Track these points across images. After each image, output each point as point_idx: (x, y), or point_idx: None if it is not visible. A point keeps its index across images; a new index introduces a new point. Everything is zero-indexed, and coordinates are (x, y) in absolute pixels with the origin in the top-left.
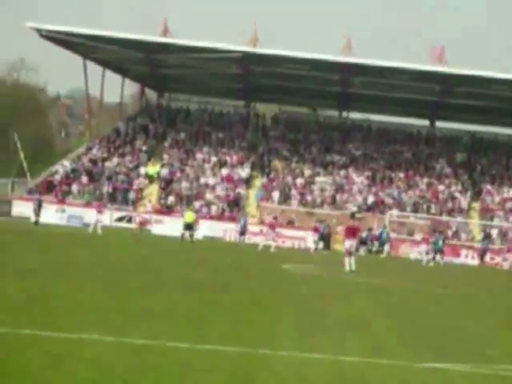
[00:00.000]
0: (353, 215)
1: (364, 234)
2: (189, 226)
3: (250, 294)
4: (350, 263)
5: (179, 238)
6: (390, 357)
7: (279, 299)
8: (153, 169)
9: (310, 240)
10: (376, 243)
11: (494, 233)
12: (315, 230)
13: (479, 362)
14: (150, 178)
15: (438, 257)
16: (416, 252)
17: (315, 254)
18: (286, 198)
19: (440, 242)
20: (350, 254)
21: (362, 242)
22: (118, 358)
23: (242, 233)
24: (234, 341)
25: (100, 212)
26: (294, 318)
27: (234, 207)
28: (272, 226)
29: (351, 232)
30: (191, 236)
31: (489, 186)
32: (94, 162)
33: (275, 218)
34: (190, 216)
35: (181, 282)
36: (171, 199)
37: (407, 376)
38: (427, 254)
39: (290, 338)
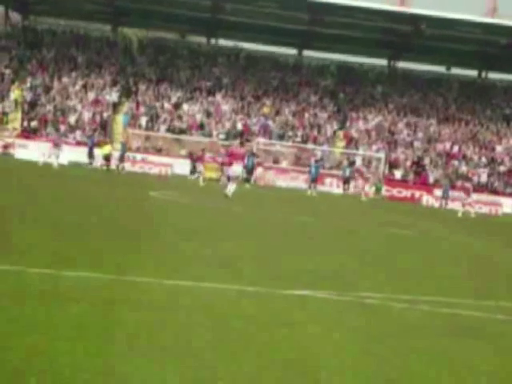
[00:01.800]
0: (242, 143)
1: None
2: (107, 158)
3: (117, 220)
4: (229, 189)
5: (42, 163)
6: (251, 284)
7: (146, 226)
8: (17, 93)
9: (178, 168)
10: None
11: (359, 161)
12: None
13: (341, 290)
14: (15, 102)
15: (312, 185)
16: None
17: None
18: (153, 124)
19: (314, 170)
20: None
21: None
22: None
23: (90, 155)
24: (101, 268)
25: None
26: (159, 245)
27: (100, 132)
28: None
29: (236, 158)
30: (107, 166)
31: (354, 115)
32: None
33: (203, 150)
34: (107, 148)
35: (49, 212)
36: (35, 123)
37: (268, 302)
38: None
39: (160, 266)
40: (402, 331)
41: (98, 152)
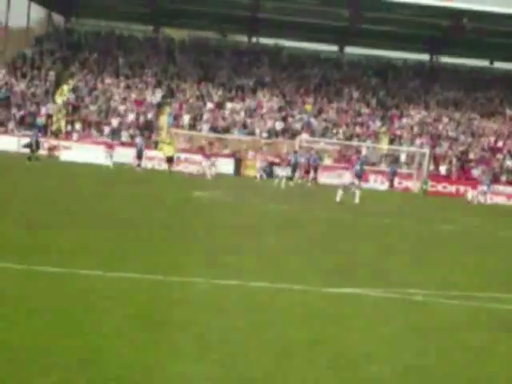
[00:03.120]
0: None
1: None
2: (170, 159)
3: (163, 224)
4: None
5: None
6: (299, 282)
7: (191, 226)
8: (60, 96)
9: (222, 167)
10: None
11: (403, 157)
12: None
13: (388, 287)
14: (58, 104)
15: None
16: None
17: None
18: (196, 124)
19: (359, 167)
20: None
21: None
22: (25, 285)
23: (139, 156)
24: (146, 269)
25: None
26: (206, 246)
27: (144, 133)
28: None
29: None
30: (169, 168)
31: (396, 111)
32: (0, 87)
33: (211, 144)
34: (169, 149)
35: (90, 215)
36: (79, 125)
37: (315, 301)
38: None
39: (202, 266)
40: (449, 327)
41: (159, 153)
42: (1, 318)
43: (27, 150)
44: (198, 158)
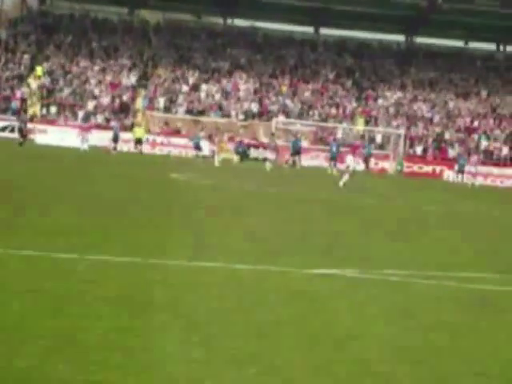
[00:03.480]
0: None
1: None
2: (139, 141)
3: (142, 206)
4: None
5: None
6: (279, 264)
7: (170, 208)
8: (35, 78)
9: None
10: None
11: (378, 138)
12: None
13: (366, 268)
14: (33, 88)
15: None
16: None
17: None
18: (171, 106)
19: (334, 149)
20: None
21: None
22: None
23: (115, 140)
24: (125, 251)
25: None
26: (187, 229)
27: (119, 116)
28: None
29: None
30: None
31: (372, 92)
32: None
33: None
34: (140, 132)
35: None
36: (54, 108)
37: (297, 282)
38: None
39: (183, 248)
40: (430, 307)
41: (129, 136)
42: None
43: (3, 134)
44: (176, 140)
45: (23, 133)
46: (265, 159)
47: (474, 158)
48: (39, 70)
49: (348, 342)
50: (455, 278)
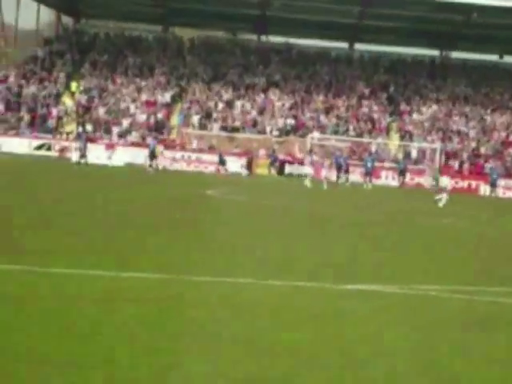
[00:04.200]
0: None
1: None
2: (153, 155)
3: (179, 222)
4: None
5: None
6: (314, 280)
7: (206, 225)
8: (71, 98)
9: (233, 165)
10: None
11: (414, 153)
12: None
13: (402, 284)
14: (69, 106)
15: (368, 178)
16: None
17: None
18: (206, 123)
19: (369, 164)
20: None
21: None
22: (40, 287)
23: (152, 157)
24: (161, 268)
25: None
26: (221, 245)
27: (155, 133)
28: None
29: None
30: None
31: (407, 107)
32: (10, 89)
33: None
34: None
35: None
36: (90, 126)
37: (331, 298)
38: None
39: (217, 264)
40: (459, 323)
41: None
42: (11, 320)
43: (39, 152)
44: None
45: (82, 153)
46: (304, 175)
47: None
48: (74, 85)
49: (379, 359)
50: (485, 292)
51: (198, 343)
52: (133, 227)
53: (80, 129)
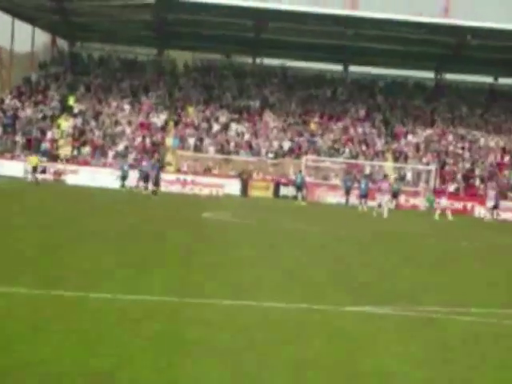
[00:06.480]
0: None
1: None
2: (34, 169)
3: (175, 245)
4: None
5: (96, 187)
6: (317, 302)
7: (203, 248)
8: (65, 122)
9: (228, 188)
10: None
11: (409, 175)
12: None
13: (406, 305)
14: (64, 128)
15: (363, 201)
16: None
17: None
18: (201, 145)
19: (364, 186)
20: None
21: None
22: (48, 309)
23: (145, 180)
24: (167, 291)
25: None
26: (223, 268)
27: (149, 155)
28: None
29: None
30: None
31: (402, 128)
32: (5, 112)
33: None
34: (33, 160)
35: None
36: (86, 149)
37: (335, 321)
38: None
39: (222, 287)
40: (470, 343)
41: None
42: (29, 341)
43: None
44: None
45: (156, 181)
46: (296, 196)
47: (492, 193)
48: (71, 99)
49: (385, 380)
50: (494, 314)
51: (202, 363)
52: (130, 249)
53: (152, 161)
